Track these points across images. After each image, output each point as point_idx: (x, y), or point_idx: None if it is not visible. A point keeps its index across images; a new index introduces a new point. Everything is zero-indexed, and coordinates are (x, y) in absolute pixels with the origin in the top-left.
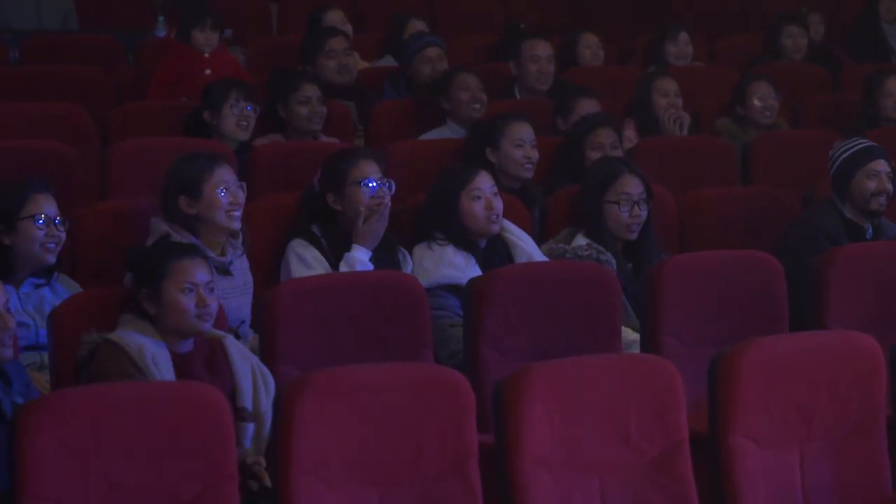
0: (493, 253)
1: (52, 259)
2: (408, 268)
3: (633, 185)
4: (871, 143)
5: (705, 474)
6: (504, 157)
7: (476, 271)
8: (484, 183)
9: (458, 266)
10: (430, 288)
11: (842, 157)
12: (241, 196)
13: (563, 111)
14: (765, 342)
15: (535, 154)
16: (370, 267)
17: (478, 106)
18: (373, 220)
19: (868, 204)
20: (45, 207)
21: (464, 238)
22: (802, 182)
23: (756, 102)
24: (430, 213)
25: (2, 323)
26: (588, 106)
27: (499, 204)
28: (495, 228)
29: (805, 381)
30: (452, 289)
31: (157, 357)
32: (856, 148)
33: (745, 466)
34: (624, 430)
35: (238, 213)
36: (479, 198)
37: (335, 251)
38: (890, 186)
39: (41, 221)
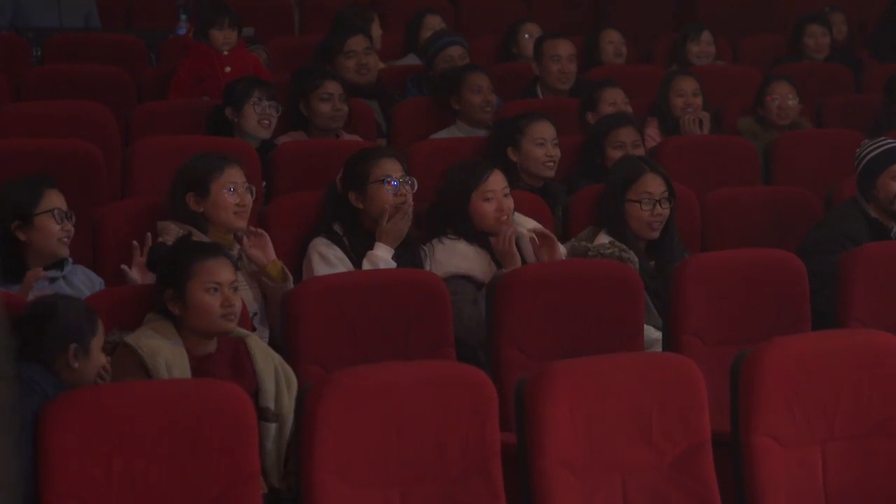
0: None
1: (66, 252)
2: (429, 265)
3: (654, 184)
4: None
5: (728, 474)
6: (525, 156)
7: (489, 265)
8: (497, 184)
9: (470, 258)
10: (443, 278)
11: (868, 157)
12: (249, 198)
13: (591, 104)
14: (787, 342)
15: (556, 152)
16: (393, 265)
17: (488, 108)
18: (396, 218)
19: (892, 205)
20: (58, 202)
21: (475, 235)
22: (825, 182)
23: (773, 103)
24: (440, 211)
25: None
26: (613, 95)
27: (510, 204)
28: (506, 227)
29: (827, 380)
30: (465, 279)
31: (171, 361)
32: (882, 148)
33: (768, 466)
34: (646, 429)
35: (244, 214)
36: (490, 199)
37: (357, 250)
38: None
39: (57, 216)
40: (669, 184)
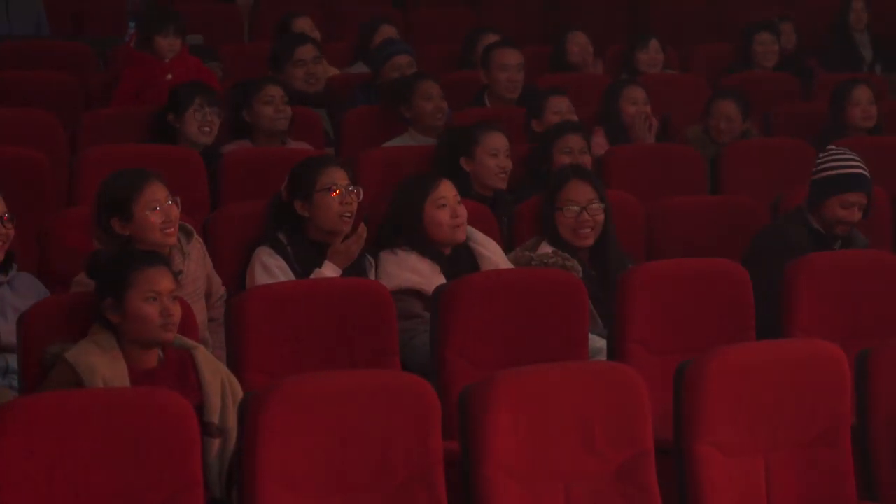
0: (459, 262)
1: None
2: (373, 275)
3: (579, 191)
4: (861, 171)
5: (671, 483)
6: (478, 166)
7: (440, 280)
8: (448, 191)
9: (421, 272)
10: (392, 292)
11: (826, 173)
12: (175, 211)
13: (536, 112)
14: (730, 351)
15: (508, 164)
16: None
17: (440, 115)
18: (351, 241)
19: (832, 227)
20: None
21: (428, 247)
22: (772, 191)
23: (717, 123)
24: (393, 223)
25: None
26: (559, 103)
27: (463, 211)
28: (460, 236)
29: (771, 389)
30: (414, 294)
31: (110, 379)
32: (843, 171)
33: (711, 475)
34: (590, 438)
35: (172, 230)
36: (444, 206)
37: (302, 259)
38: (859, 216)
39: None
40: (600, 191)
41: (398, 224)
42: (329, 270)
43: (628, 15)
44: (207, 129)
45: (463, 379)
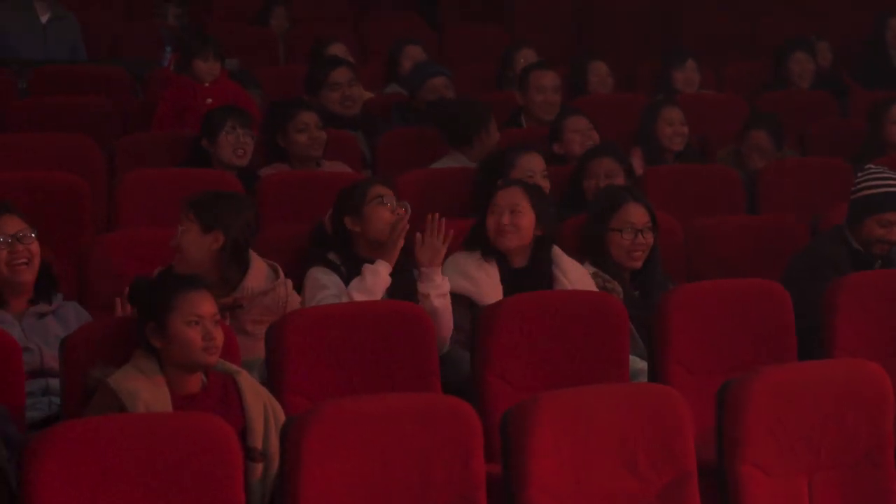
0: (530, 280)
1: (26, 277)
2: None
3: (637, 214)
4: None
5: None
6: None
7: (497, 290)
8: (509, 198)
9: (476, 280)
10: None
11: (865, 192)
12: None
13: (556, 135)
14: (772, 371)
15: (546, 184)
16: (387, 280)
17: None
18: (396, 232)
19: (871, 246)
20: (6, 227)
21: (496, 255)
22: (810, 210)
23: (750, 151)
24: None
25: None
26: (576, 122)
27: (522, 222)
28: (509, 242)
29: (813, 409)
30: (465, 301)
31: (151, 404)
32: (882, 189)
33: (754, 496)
34: (632, 460)
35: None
36: (493, 213)
37: (354, 276)
38: None
39: (1, 241)
40: (652, 213)
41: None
42: (381, 267)
43: (661, 34)
44: (241, 151)
45: (504, 401)
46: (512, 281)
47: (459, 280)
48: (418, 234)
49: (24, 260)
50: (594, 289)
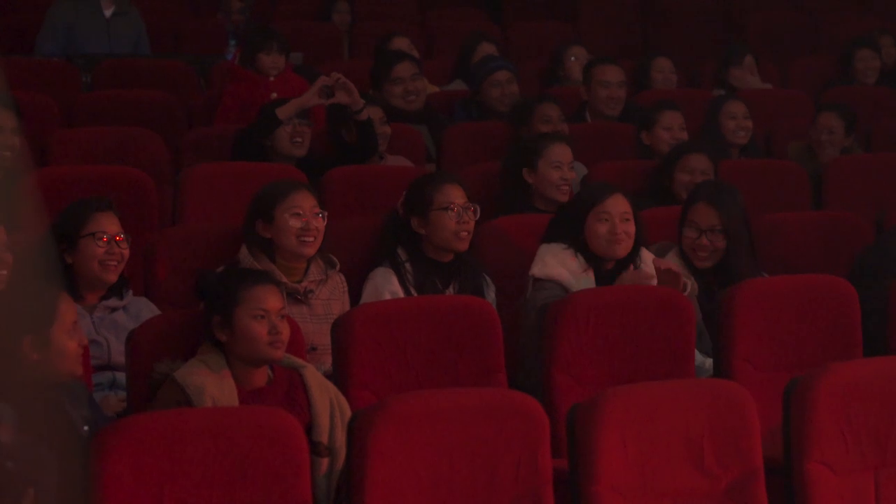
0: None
1: (112, 277)
2: (491, 294)
3: (704, 215)
4: None
5: (781, 501)
6: (541, 178)
7: (590, 285)
8: (615, 206)
9: (573, 271)
10: (539, 278)
11: None
12: (315, 223)
13: (647, 125)
14: (840, 367)
15: (572, 175)
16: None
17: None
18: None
19: None
20: (106, 225)
21: (587, 252)
22: (876, 206)
23: (819, 134)
24: (560, 221)
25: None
26: (671, 118)
27: (628, 228)
28: (620, 251)
29: (880, 407)
30: (560, 287)
31: (218, 398)
32: None
33: (821, 493)
34: (698, 456)
35: (310, 240)
36: (605, 220)
37: (420, 275)
38: None
39: (101, 239)
40: (724, 217)
41: (564, 223)
42: None
43: (725, 31)
44: (299, 139)
45: (570, 396)
46: (606, 280)
47: (561, 269)
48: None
49: (116, 262)
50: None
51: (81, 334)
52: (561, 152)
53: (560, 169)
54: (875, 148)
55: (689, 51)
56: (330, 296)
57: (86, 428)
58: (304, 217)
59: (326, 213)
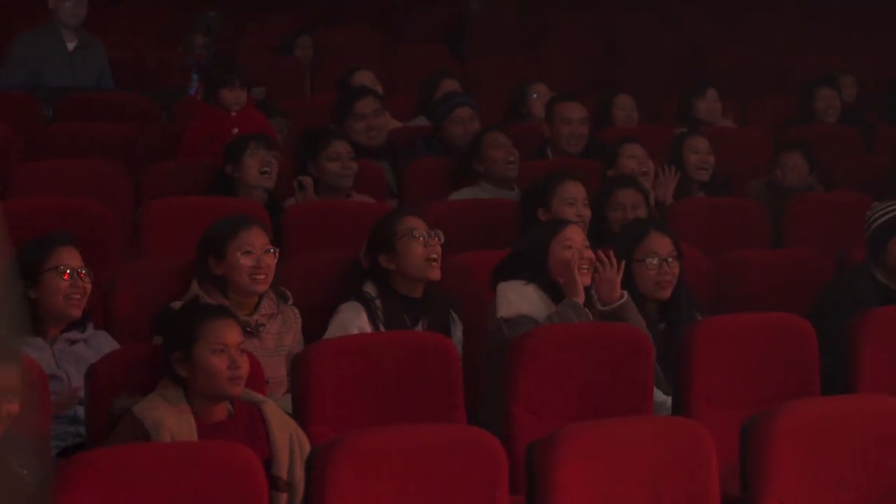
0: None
1: (76, 312)
2: (458, 330)
3: (661, 244)
4: None
5: None
6: (555, 217)
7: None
8: (575, 234)
9: (534, 303)
10: (509, 318)
11: (878, 222)
12: (266, 260)
13: (611, 162)
14: (798, 406)
15: (587, 212)
16: (586, 314)
17: (512, 160)
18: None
19: None
20: (68, 259)
21: (549, 284)
22: (835, 245)
23: (783, 172)
24: (518, 258)
25: None
26: (632, 149)
27: (589, 254)
28: (587, 278)
29: (838, 445)
30: (532, 321)
31: (177, 433)
32: (893, 213)
33: None
34: (656, 493)
35: (262, 277)
36: (569, 247)
37: (390, 311)
38: None
39: (64, 274)
40: (677, 243)
41: (523, 260)
42: (578, 301)
43: (687, 69)
44: (267, 170)
45: (529, 432)
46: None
47: (527, 305)
48: (596, 275)
49: (80, 296)
50: None
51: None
52: (574, 190)
53: (574, 206)
54: (836, 186)
55: (651, 88)
56: (281, 329)
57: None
58: (255, 254)
59: (278, 250)
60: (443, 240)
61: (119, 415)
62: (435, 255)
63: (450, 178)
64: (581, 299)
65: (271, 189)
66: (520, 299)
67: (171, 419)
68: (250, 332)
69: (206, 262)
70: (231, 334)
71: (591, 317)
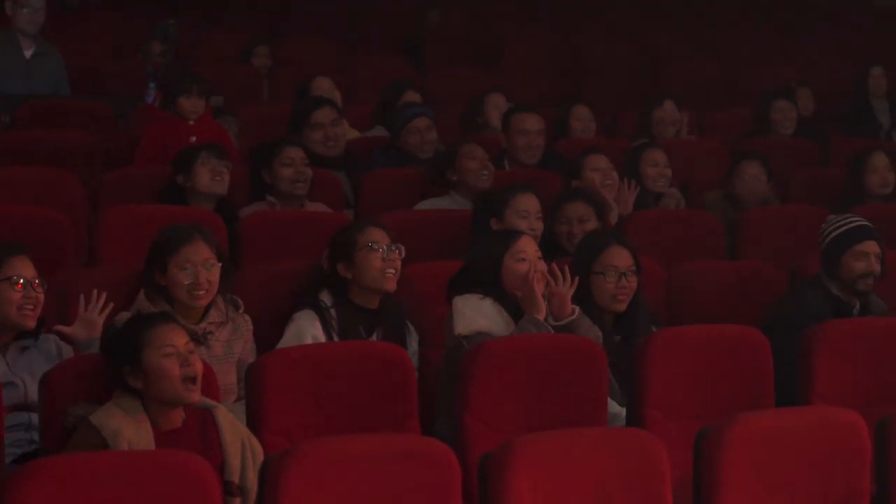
0: None
1: (30, 323)
2: (413, 342)
3: (620, 257)
4: (864, 223)
5: None
6: (508, 228)
7: (507, 327)
8: (528, 246)
9: (491, 318)
10: (468, 335)
11: (832, 235)
12: (206, 276)
13: (575, 173)
14: (750, 418)
15: (539, 226)
16: (548, 328)
17: (486, 173)
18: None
19: (855, 284)
20: (21, 269)
21: (504, 296)
22: (790, 257)
23: (742, 182)
24: (471, 272)
25: None
26: (596, 160)
27: (543, 266)
28: (541, 288)
29: (790, 457)
30: (489, 337)
31: (134, 442)
32: (847, 226)
33: None
34: None
35: (201, 293)
36: (522, 260)
37: (344, 321)
38: (878, 267)
39: (18, 284)
40: (636, 256)
41: (477, 273)
42: (538, 317)
43: (645, 80)
44: (219, 177)
45: (483, 443)
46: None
47: (483, 320)
48: (547, 289)
49: (33, 306)
50: None
51: None
52: (528, 202)
53: (527, 219)
54: (791, 199)
55: (608, 100)
56: (231, 336)
57: None
58: (194, 271)
59: (220, 265)
60: (403, 254)
61: (75, 423)
62: (393, 269)
63: (418, 187)
64: (542, 314)
65: (224, 195)
66: (477, 315)
67: (129, 429)
68: (198, 339)
69: (152, 273)
70: (177, 337)
71: (552, 331)
